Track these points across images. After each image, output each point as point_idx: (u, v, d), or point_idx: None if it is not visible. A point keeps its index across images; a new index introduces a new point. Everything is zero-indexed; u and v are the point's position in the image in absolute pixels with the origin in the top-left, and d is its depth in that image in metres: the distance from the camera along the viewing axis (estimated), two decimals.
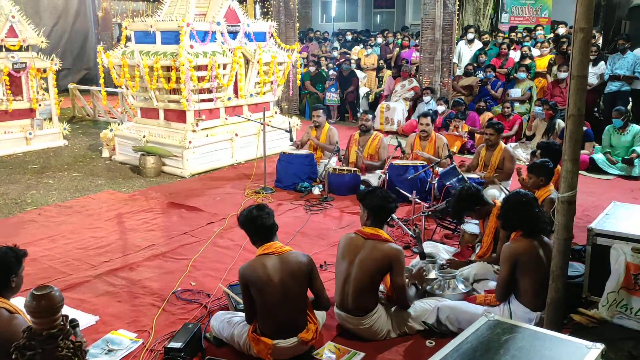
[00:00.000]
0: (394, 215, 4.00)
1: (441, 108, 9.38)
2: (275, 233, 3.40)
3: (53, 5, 15.15)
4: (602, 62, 8.96)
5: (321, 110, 7.40)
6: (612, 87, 8.74)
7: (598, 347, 2.43)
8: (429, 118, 6.81)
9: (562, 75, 8.96)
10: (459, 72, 11.02)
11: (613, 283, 3.67)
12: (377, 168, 6.88)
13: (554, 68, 9.86)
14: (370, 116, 7.11)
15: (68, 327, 1.95)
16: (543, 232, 3.60)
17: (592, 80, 8.89)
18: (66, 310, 3.84)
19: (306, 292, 3.39)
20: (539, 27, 12.67)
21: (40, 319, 1.92)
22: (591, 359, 2.35)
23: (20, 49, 8.68)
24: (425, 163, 6.37)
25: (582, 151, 7.30)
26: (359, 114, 11.45)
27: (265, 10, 12.47)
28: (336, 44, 15.03)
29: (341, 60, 12.33)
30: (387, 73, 11.74)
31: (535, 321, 3.39)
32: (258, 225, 3.34)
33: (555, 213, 3.29)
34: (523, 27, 13.99)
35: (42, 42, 8.98)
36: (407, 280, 3.74)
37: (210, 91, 7.70)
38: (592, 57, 8.70)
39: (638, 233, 3.73)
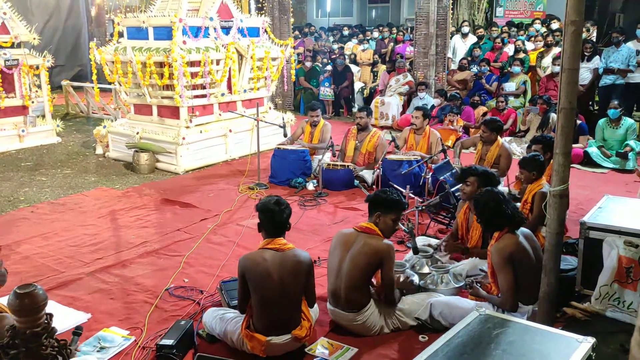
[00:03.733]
0: None
1: (437, 101, 9.37)
2: (284, 231, 3.39)
3: (44, 3, 15.06)
4: (597, 57, 8.95)
5: (319, 110, 7.38)
6: (606, 80, 8.73)
7: (589, 341, 2.43)
8: (420, 111, 6.79)
9: (557, 68, 8.95)
10: (453, 66, 11.00)
11: (606, 276, 3.68)
12: (367, 169, 6.85)
13: (543, 61, 9.85)
14: (364, 113, 7.00)
15: (52, 326, 1.93)
16: (524, 223, 3.58)
17: (586, 75, 8.88)
18: (58, 307, 3.86)
19: (303, 291, 3.38)
20: (537, 21, 12.66)
21: (23, 318, 1.89)
22: (582, 352, 2.35)
23: (12, 46, 8.62)
24: (419, 158, 6.36)
25: (576, 145, 7.43)
26: (354, 110, 11.47)
27: (260, 5, 12.42)
28: (331, 39, 14.98)
29: (336, 55, 12.29)
30: (382, 68, 11.71)
31: (528, 315, 3.39)
32: (269, 217, 3.33)
33: (547, 207, 3.29)
34: (518, 21, 14.00)
35: (35, 38, 8.92)
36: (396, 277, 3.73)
37: (203, 87, 7.67)
38: (586, 54, 8.71)
39: (630, 226, 3.73)
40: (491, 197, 3.56)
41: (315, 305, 3.66)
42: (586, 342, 2.43)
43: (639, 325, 1.03)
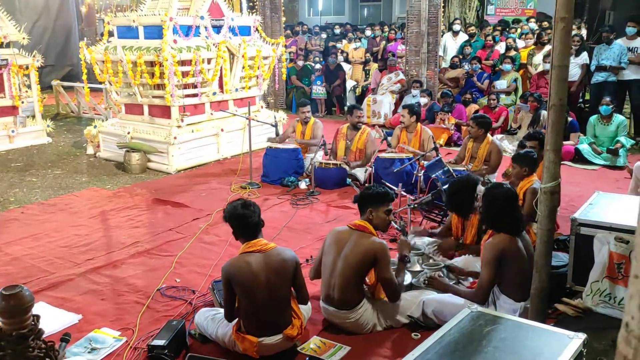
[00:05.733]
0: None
1: (424, 100, 9.39)
2: (260, 230, 3.36)
3: (33, 2, 14.94)
4: (585, 53, 8.97)
5: (309, 106, 7.42)
6: (598, 77, 8.73)
7: (580, 337, 2.44)
8: (407, 110, 6.82)
9: (548, 66, 8.95)
10: (444, 64, 11.01)
11: (597, 272, 3.69)
12: (361, 166, 6.84)
13: (534, 58, 9.87)
14: (361, 111, 7.20)
15: (39, 327, 1.91)
16: (521, 232, 3.56)
17: (575, 70, 8.90)
18: (49, 309, 3.83)
19: (291, 289, 3.37)
20: (531, 20, 12.70)
21: (9, 319, 1.87)
22: (573, 348, 2.36)
23: (1, 46, 8.55)
24: (411, 156, 6.36)
25: (567, 142, 7.45)
26: (347, 108, 11.44)
27: (252, 4, 12.38)
28: (324, 36, 14.94)
29: (336, 50, 12.26)
30: (374, 66, 11.71)
31: (519, 311, 3.40)
32: (242, 222, 3.30)
33: (538, 203, 3.29)
34: (509, 19, 14.04)
35: (24, 38, 8.84)
36: (393, 270, 3.73)
37: (195, 86, 7.63)
38: (574, 47, 8.72)
39: (621, 222, 3.74)
40: (502, 195, 3.53)
41: (309, 304, 3.64)
42: (577, 338, 2.43)
43: (625, 321, 1.02)
